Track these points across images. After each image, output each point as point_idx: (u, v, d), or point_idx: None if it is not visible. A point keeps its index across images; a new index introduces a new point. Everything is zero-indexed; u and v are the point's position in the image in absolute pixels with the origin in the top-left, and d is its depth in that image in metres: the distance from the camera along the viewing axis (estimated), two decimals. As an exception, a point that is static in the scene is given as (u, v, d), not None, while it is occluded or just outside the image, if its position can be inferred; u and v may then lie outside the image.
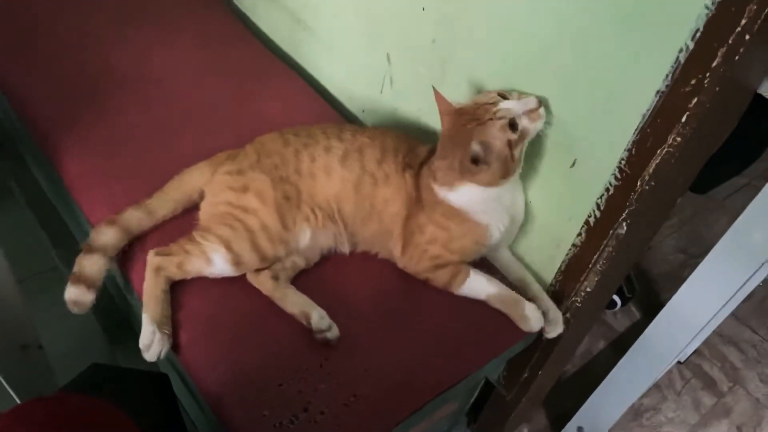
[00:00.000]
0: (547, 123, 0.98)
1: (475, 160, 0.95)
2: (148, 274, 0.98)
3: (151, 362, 0.94)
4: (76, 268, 0.99)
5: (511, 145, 0.95)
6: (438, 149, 1.02)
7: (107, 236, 1.01)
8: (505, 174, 0.98)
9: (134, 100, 1.32)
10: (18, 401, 1.11)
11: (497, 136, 0.95)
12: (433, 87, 1.01)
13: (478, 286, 1.05)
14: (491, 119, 0.95)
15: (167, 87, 1.38)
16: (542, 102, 0.96)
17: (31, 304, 1.12)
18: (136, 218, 1.04)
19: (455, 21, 1.09)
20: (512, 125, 0.95)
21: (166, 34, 1.54)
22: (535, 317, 1.04)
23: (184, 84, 1.40)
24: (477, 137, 0.95)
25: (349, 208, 1.06)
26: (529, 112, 0.95)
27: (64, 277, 0.99)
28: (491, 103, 0.96)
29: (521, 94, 0.98)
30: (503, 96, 0.97)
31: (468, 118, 0.97)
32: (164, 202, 1.07)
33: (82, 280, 0.97)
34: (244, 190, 1.03)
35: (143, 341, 0.93)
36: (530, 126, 0.96)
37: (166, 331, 0.95)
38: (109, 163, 1.17)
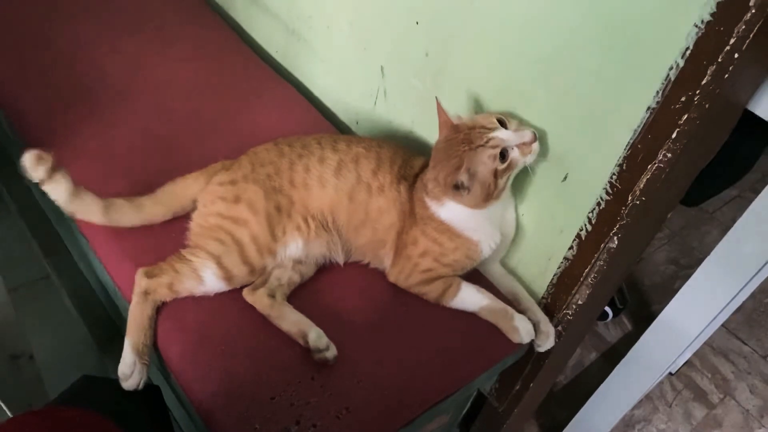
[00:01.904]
0: (540, 156, 0.98)
1: (457, 186, 0.96)
2: (136, 297, 0.97)
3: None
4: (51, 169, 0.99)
5: (497, 174, 0.96)
6: (430, 161, 1.03)
7: (88, 200, 1.02)
8: (485, 200, 0.99)
9: (128, 111, 1.32)
10: (8, 411, 1.10)
11: (485, 163, 0.95)
12: (436, 98, 1.02)
13: (469, 298, 1.05)
14: (482, 146, 0.95)
15: (162, 98, 1.38)
16: (538, 136, 0.96)
17: (22, 314, 1.12)
18: (120, 206, 1.05)
19: (448, 35, 1.10)
20: (502, 155, 0.95)
21: (161, 46, 1.54)
22: (525, 329, 1.04)
23: (178, 95, 1.40)
24: (466, 163, 0.95)
25: (343, 218, 1.06)
26: (523, 145, 0.96)
27: (56, 287, 0.99)
28: (488, 129, 0.96)
29: (520, 124, 0.98)
30: (502, 122, 0.97)
31: (462, 138, 0.97)
32: (153, 204, 1.07)
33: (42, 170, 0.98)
34: (236, 200, 1.03)
35: (123, 370, 0.93)
36: (520, 159, 0.97)
37: (146, 362, 0.95)
38: (102, 173, 1.17)
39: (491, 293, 1.07)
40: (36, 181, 0.98)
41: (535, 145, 0.96)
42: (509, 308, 1.05)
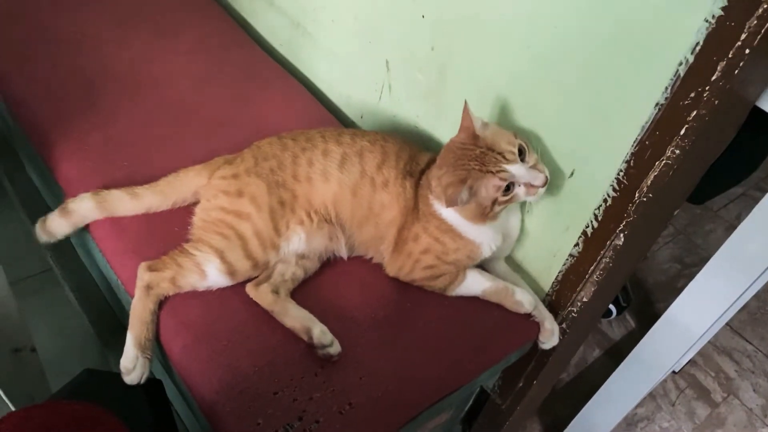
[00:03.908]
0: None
1: (455, 200, 0.95)
2: (138, 292, 0.97)
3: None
4: (47, 221, 1.07)
5: (495, 202, 0.96)
6: (438, 158, 1.02)
7: (84, 207, 1.07)
8: (476, 219, 0.99)
9: (132, 104, 1.32)
10: (10, 405, 1.10)
11: (488, 189, 0.95)
12: (465, 102, 0.98)
13: (473, 285, 1.05)
14: (492, 173, 0.94)
15: (166, 91, 1.37)
16: (548, 180, 0.95)
17: (24, 307, 1.11)
18: (117, 198, 1.06)
19: (454, 29, 1.09)
20: (507, 187, 0.95)
21: (165, 39, 1.53)
22: (527, 300, 1.06)
23: (182, 88, 1.39)
24: (470, 181, 0.94)
25: (347, 212, 1.05)
26: (530, 186, 0.95)
27: (58, 280, 0.98)
28: (504, 158, 0.94)
29: (538, 162, 0.97)
30: (522, 151, 0.95)
31: (477, 154, 0.95)
32: (153, 193, 1.08)
33: (47, 233, 1.07)
34: (239, 194, 1.03)
35: (125, 364, 0.93)
36: (522, 195, 0.96)
37: (148, 356, 0.95)
38: (105, 166, 1.16)
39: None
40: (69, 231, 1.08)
41: (542, 190, 0.95)
42: (509, 285, 1.06)
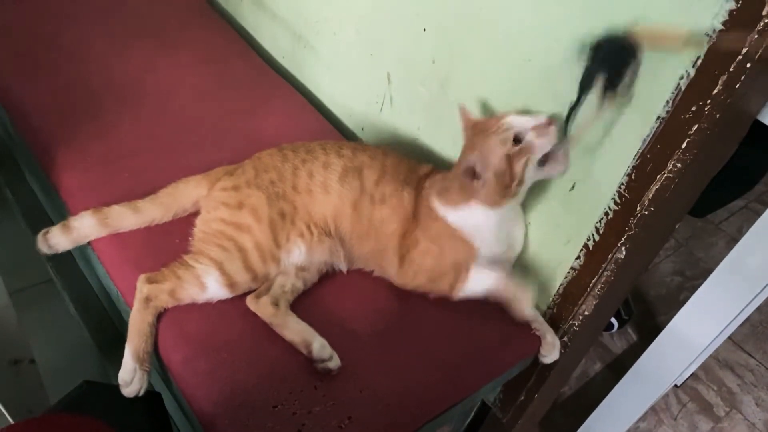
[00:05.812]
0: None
1: (471, 173, 0.94)
2: (137, 304, 0.96)
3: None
4: (49, 235, 1.05)
5: (510, 159, 0.93)
6: (454, 167, 1.02)
7: (85, 225, 1.05)
8: (504, 191, 0.95)
9: (134, 115, 1.32)
10: (8, 416, 1.10)
11: (495, 150, 0.93)
12: (460, 105, 1.01)
13: (478, 283, 1.02)
14: (494, 132, 0.94)
15: (168, 102, 1.38)
16: (555, 121, 0.93)
17: (23, 318, 1.11)
18: (119, 214, 1.06)
19: (455, 42, 1.10)
20: (516, 139, 0.93)
21: (168, 50, 1.54)
22: (527, 298, 1.04)
23: (184, 100, 1.40)
24: (478, 147, 0.95)
25: (347, 226, 1.05)
26: (538, 128, 0.92)
27: (57, 291, 0.98)
28: (500, 117, 0.96)
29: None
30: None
31: (479, 130, 0.97)
32: (153, 205, 1.08)
33: (48, 245, 1.05)
34: (239, 206, 1.02)
35: (123, 377, 0.93)
36: (536, 141, 0.92)
37: (147, 368, 0.94)
38: (107, 178, 1.16)
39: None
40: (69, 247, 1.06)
41: (552, 128, 0.92)
42: (511, 288, 1.02)
